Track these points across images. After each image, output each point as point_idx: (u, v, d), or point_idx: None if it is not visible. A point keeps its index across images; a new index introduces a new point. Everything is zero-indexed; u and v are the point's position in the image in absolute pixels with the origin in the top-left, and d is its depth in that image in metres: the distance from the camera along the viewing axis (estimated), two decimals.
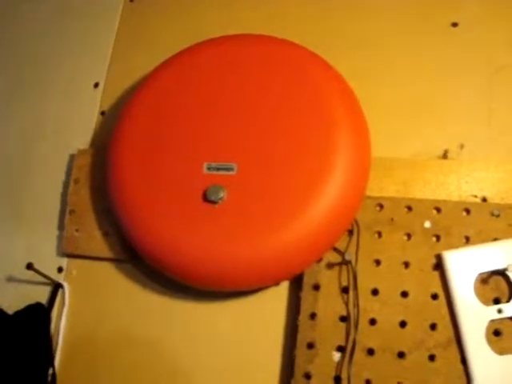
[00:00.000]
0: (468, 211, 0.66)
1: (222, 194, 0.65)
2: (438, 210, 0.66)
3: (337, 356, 0.63)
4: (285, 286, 0.70)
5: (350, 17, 0.81)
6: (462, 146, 0.72)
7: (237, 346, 0.69)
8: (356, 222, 0.66)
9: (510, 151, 0.71)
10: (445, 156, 0.71)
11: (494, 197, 0.67)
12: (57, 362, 0.74)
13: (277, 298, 0.69)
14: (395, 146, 0.72)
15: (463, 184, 0.68)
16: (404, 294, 0.64)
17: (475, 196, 0.67)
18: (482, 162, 0.69)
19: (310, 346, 0.64)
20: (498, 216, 0.65)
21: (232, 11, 0.86)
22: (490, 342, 0.61)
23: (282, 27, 0.81)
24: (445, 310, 0.63)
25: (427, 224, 0.66)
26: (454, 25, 0.78)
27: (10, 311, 0.75)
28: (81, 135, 0.83)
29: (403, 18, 0.80)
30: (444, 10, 0.79)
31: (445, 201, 0.67)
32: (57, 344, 0.74)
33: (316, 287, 0.66)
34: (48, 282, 0.76)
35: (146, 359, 0.72)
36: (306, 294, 0.66)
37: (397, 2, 0.80)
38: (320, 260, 0.66)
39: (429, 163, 0.70)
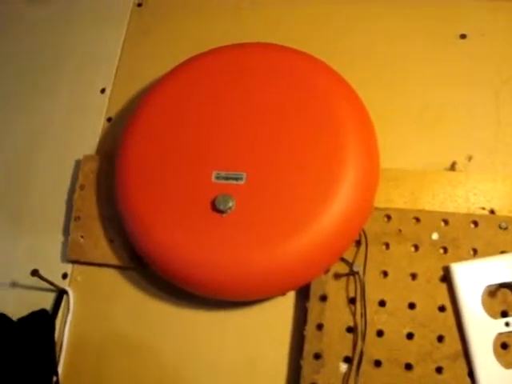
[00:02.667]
0: (476, 223, 0.66)
1: (230, 204, 0.65)
2: (446, 222, 0.66)
3: (344, 367, 0.63)
4: (291, 296, 0.69)
5: (359, 27, 0.82)
6: (470, 158, 0.72)
7: (242, 355, 0.69)
8: (364, 232, 0.66)
9: None
10: (453, 168, 0.71)
11: (502, 209, 0.67)
12: (61, 368, 0.73)
13: (283, 308, 0.69)
14: (404, 158, 0.72)
15: (471, 196, 0.68)
16: (411, 306, 0.64)
17: (483, 208, 0.68)
18: (489, 175, 0.69)
19: (317, 356, 0.64)
20: (505, 229, 0.65)
21: (239, 19, 0.86)
22: (497, 355, 0.60)
23: (290, 36, 0.81)
24: (452, 322, 0.63)
25: (435, 236, 0.66)
26: (463, 36, 0.78)
27: (15, 317, 0.74)
28: (87, 141, 0.83)
29: (412, 30, 0.80)
30: (452, 22, 0.79)
31: (453, 213, 0.67)
32: (61, 350, 0.74)
33: (323, 298, 0.65)
34: (52, 288, 0.75)
35: (149, 366, 0.71)
36: (313, 304, 0.65)
37: (405, 14, 0.81)
38: (327, 271, 0.66)
39: (437, 175, 0.70)
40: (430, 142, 0.73)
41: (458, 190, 0.69)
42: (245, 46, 0.76)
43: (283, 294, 0.69)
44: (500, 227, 0.65)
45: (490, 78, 0.76)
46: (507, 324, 0.61)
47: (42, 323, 0.75)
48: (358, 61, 0.79)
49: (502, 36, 0.77)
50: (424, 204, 0.68)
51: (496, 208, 0.67)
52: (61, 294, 0.76)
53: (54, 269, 0.77)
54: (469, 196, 0.68)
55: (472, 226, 0.66)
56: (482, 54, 0.77)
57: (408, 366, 0.62)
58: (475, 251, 0.65)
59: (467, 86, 0.76)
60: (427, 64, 0.77)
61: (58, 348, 0.74)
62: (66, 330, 0.75)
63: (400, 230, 0.66)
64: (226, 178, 0.66)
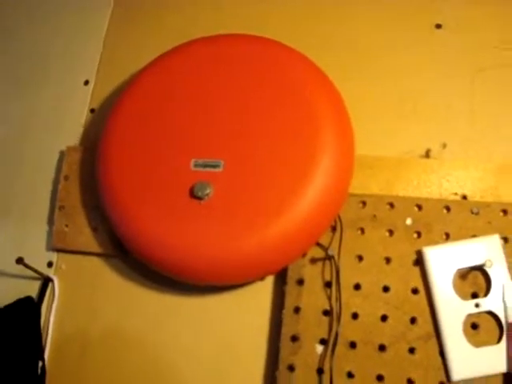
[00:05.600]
0: (448, 209, 0.68)
1: (208, 191, 0.66)
2: (420, 207, 0.68)
3: (320, 349, 0.65)
4: (270, 280, 0.71)
5: (335, 17, 0.83)
6: (444, 146, 0.74)
7: (223, 338, 0.71)
8: (339, 218, 0.68)
9: (491, 151, 0.73)
10: (427, 155, 0.73)
11: (474, 195, 0.69)
12: (47, 354, 0.75)
13: (262, 292, 0.71)
14: (379, 145, 0.74)
15: (444, 182, 0.70)
16: (385, 289, 0.66)
17: (455, 194, 0.69)
18: (462, 161, 0.71)
19: (294, 338, 0.66)
20: (477, 214, 0.67)
21: (219, 12, 0.87)
22: (467, 335, 0.63)
23: (269, 27, 0.82)
24: (424, 304, 0.65)
25: (409, 221, 0.68)
26: (438, 26, 0.79)
27: (1, 305, 0.76)
28: (71, 132, 0.84)
29: (389, 20, 0.81)
30: (428, 12, 0.80)
31: (426, 198, 0.69)
32: (47, 337, 0.75)
33: (300, 282, 0.67)
34: (38, 276, 0.77)
35: (131, 351, 0.73)
36: (290, 288, 0.67)
37: (382, 4, 0.82)
38: (304, 255, 0.68)
39: (411, 162, 0.72)
40: (405, 130, 0.75)
41: (431, 177, 0.70)
42: (224, 37, 0.77)
43: (262, 278, 0.71)
44: (472, 212, 0.67)
45: (465, 67, 0.77)
46: (477, 305, 0.63)
47: (27, 310, 0.76)
48: (334, 50, 0.80)
49: (476, 26, 0.79)
50: (398, 190, 0.70)
51: (468, 194, 0.69)
52: (46, 281, 0.78)
53: (39, 257, 0.79)
54: (442, 182, 0.70)
55: (444, 211, 0.68)
56: (458, 43, 0.79)
57: (382, 348, 0.64)
58: (447, 235, 0.67)
59: (442, 75, 0.77)
60: (403, 53, 0.79)
61: (43, 334, 0.76)
62: (51, 317, 0.76)
63: (375, 216, 0.68)
64: (204, 166, 0.68)
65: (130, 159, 0.72)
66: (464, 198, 0.69)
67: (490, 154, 0.73)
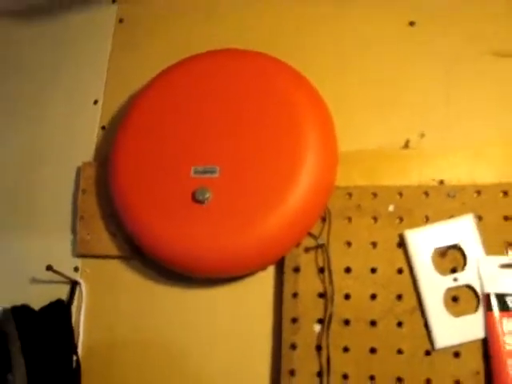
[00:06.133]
0: (427, 194, 0.74)
1: (208, 194, 0.74)
2: (401, 194, 0.75)
3: (317, 328, 0.73)
4: (271, 270, 0.79)
5: (311, 14, 0.89)
6: (422, 135, 0.80)
7: (232, 327, 0.79)
8: (328, 209, 0.75)
9: (466, 137, 0.79)
10: (406, 145, 0.79)
11: (451, 180, 0.75)
12: (79, 350, 0.84)
13: (265, 281, 0.79)
14: (361, 139, 0.80)
15: (423, 170, 0.77)
16: (373, 271, 0.73)
17: (433, 180, 0.76)
18: (439, 149, 0.77)
19: (294, 320, 0.73)
20: (453, 197, 0.73)
21: (214, 27, 0.94)
22: (447, 306, 0.69)
23: (253, 37, 0.89)
24: (409, 282, 0.72)
25: (391, 208, 0.75)
26: (412, 24, 0.85)
27: (36, 308, 0.85)
28: (85, 149, 0.93)
29: (365, 17, 0.87)
30: (402, 11, 0.86)
31: (406, 186, 0.75)
32: (78, 335, 0.84)
33: (296, 269, 0.75)
34: (66, 280, 0.86)
35: (152, 342, 0.82)
36: (288, 276, 0.75)
37: (357, 3, 0.88)
38: (298, 245, 0.75)
39: (392, 153, 0.78)
40: (384, 123, 0.81)
41: (411, 166, 0.77)
42: (217, 53, 0.85)
43: (264, 269, 0.78)
44: (448, 195, 0.74)
45: (440, 60, 0.83)
46: (455, 279, 0.70)
47: (59, 311, 0.86)
48: (311, 50, 0.87)
49: (449, 21, 0.84)
50: (381, 180, 0.77)
51: (445, 179, 0.75)
52: (74, 285, 0.87)
53: (66, 264, 0.88)
54: (421, 170, 0.77)
55: (424, 196, 0.74)
56: (431, 38, 0.84)
57: (373, 323, 0.71)
58: (427, 218, 0.73)
59: (419, 68, 0.83)
60: (380, 49, 0.85)
61: (76, 332, 0.85)
62: (81, 316, 0.85)
63: (360, 205, 0.75)
64: (203, 172, 0.76)
65: (137, 169, 0.80)
66: (441, 182, 0.75)
67: (465, 140, 0.78)
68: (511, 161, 0.74)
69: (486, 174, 0.75)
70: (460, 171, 0.76)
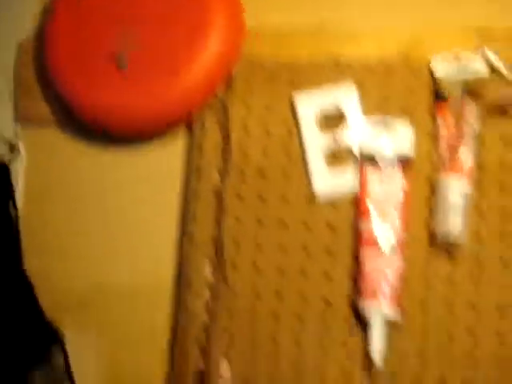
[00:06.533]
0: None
1: (126, 61, 0.83)
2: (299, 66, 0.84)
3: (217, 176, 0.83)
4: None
5: None
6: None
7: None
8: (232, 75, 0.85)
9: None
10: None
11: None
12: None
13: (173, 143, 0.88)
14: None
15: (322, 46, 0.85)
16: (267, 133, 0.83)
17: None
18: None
19: (198, 169, 0.84)
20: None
21: None
22: (328, 162, 0.80)
23: None
24: (297, 142, 0.82)
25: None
26: None
27: None
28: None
29: None
30: None
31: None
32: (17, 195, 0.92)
33: (202, 126, 0.85)
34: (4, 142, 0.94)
35: (83, 198, 0.91)
36: (195, 131, 0.85)
37: None
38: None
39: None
40: None
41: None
42: None
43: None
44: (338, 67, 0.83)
45: None
46: (336, 140, 0.80)
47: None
48: None
49: None
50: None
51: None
52: (12, 148, 0.94)
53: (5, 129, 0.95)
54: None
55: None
56: None
57: (262, 175, 0.82)
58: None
59: None
60: None
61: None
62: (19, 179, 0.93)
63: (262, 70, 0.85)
64: (123, 41, 0.85)
65: (69, 40, 0.89)
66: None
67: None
68: None
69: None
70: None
